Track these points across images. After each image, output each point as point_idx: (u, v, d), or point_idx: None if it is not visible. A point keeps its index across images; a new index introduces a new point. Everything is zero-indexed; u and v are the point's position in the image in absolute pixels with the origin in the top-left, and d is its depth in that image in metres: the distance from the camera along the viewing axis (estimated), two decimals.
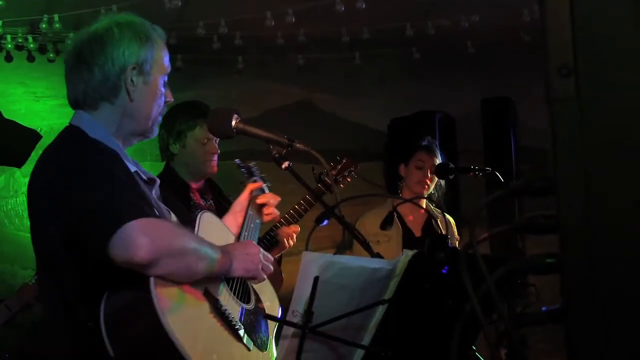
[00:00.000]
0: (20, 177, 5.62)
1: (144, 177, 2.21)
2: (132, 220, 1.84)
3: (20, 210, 5.64)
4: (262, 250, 2.23)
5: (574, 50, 0.96)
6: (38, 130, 5.38)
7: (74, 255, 2.02)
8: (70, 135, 2.13)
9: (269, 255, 2.27)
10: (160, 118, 2.26)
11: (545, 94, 0.98)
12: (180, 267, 1.93)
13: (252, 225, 2.62)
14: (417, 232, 4.35)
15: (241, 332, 2.10)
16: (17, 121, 5.25)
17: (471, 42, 6.05)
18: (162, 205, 2.24)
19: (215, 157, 3.56)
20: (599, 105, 0.95)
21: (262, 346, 2.19)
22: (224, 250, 2.11)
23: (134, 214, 1.86)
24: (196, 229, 2.19)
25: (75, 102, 2.18)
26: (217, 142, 3.54)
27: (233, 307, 2.14)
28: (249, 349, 2.11)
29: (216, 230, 2.35)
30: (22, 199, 5.57)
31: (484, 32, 5.82)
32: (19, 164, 5.09)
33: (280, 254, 3.48)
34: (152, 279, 1.87)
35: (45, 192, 2.05)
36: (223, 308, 2.05)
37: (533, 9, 5.46)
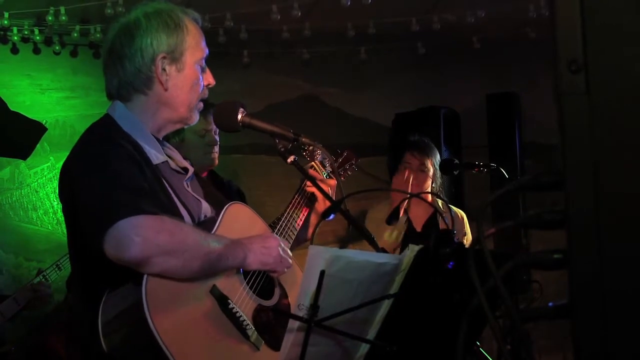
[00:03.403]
0: (25, 169, 5.61)
1: (176, 168, 2.22)
2: (125, 218, 1.84)
3: (25, 202, 5.62)
4: (282, 243, 2.18)
5: (583, 45, 0.95)
6: (43, 122, 5.35)
7: (78, 247, 2.08)
8: (99, 125, 2.15)
9: (288, 250, 2.22)
10: (201, 104, 2.25)
11: (554, 90, 0.97)
12: (176, 265, 1.89)
13: (294, 216, 2.47)
14: (419, 228, 4.32)
15: (249, 330, 2.04)
16: (23, 113, 5.25)
17: (477, 37, 6.05)
18: (191, 195, 2.21)
19: (216, 149, 3.51)
20: (609, 101, 0.95)
21: (277, 345, 2.06)
22: (238, 243, 2.07)
23: (128, 211, 1.85)
24: (219, 220, 2.15)
25: (110, 95, 2.20)
26: (217, 133, 3.51)
27: (246, 304, 2.09)
28: (257, 348, 2.06)
29: (244, 222, 2.27)
30: (27, 190, 5.57)
31: (489, 28, 5.82)
32: (24, 156, 5.07)
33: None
34: (145, 278, 1.86)
35: (61, 179, 2.10)
36: (230, 306, 2.02)
37: (539, 4, 5.46)
